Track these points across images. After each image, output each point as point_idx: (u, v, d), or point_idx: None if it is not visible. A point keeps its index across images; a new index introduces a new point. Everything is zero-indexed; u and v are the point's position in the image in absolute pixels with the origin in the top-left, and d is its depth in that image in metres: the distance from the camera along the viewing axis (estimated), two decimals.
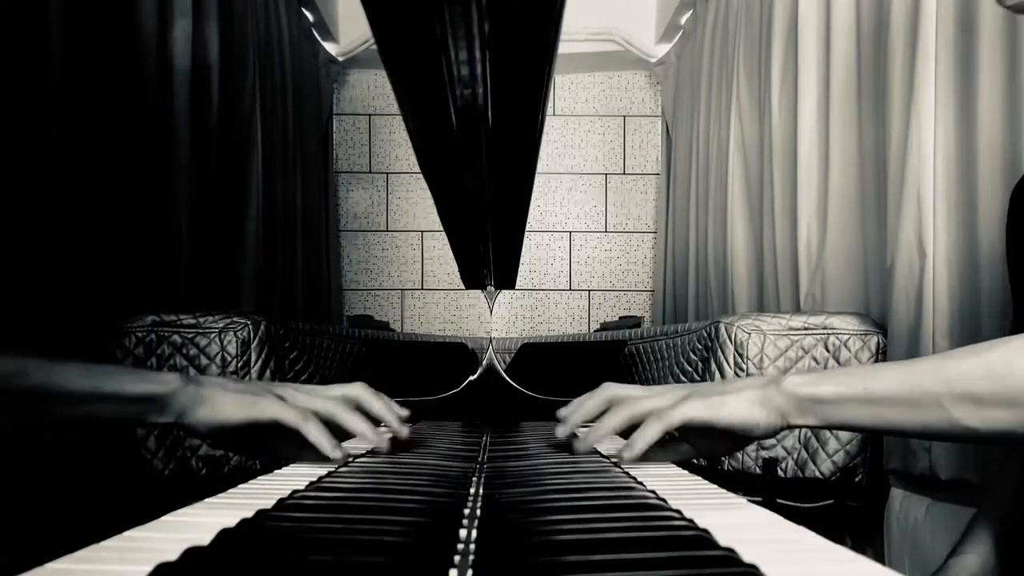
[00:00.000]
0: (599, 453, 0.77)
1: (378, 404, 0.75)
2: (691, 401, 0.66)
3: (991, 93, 1.18)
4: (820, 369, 1.38)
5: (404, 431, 0.75)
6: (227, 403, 0.67)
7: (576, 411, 0.75)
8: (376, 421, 0.74)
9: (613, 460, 0.71)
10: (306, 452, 0.68)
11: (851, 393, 0.62)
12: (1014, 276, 0.81)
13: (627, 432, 0.70)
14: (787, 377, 0.65)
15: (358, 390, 0.75)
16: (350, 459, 0.70)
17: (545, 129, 0.57)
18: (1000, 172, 1.17)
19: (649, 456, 0.68)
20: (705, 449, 0.72)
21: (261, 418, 0.67)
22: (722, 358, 1.40)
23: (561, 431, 0.75)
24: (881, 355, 1.37)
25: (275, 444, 0.70)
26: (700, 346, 1.51)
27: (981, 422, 0.55)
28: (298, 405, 0.69)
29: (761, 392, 0.66)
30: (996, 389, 0.54)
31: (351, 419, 0.71)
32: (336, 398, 0.72)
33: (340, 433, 0.70)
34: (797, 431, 1.36)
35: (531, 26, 0.42)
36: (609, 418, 0.70)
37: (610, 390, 0.74)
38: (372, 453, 0.77)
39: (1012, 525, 0.73)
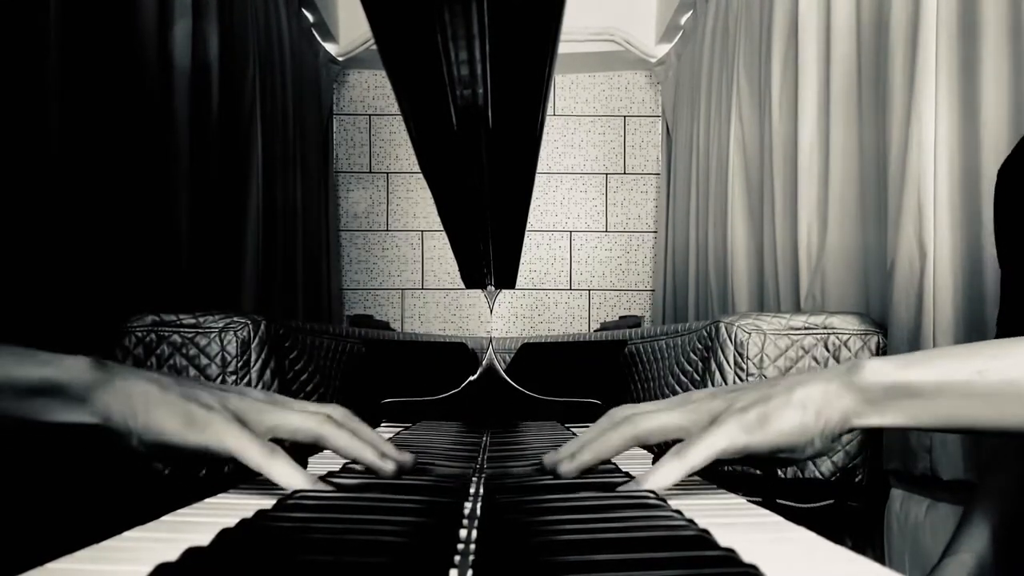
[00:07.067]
0: None
1: (367, 430, 0.59)
2: (726, 426, 0.49)
3: (995, 91, 1.17)
4: (820, 368, 1.38)
5: (388, 466, 0.57)
6: (168, 415, 0.50)
7: (589, 445, 0.55)
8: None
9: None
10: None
11: (959, 380, 0.45)
12: (1001, 255, 0.81)
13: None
14: (867, 363, 0.49)
15: (340, 411, 0.59)
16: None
17: (545, 129, 0.57)
18: None
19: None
20: (736, 463, 0.55)
21: (212, 448, 0.51)
22: (722, 358, 1.40)
23: (566, 469, 0.55)
24: (881, 355, 1.37)
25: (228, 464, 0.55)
26: (700, 346, 1.51)
27: None
28: (262, 427, 0.53)
29: (823, 389, 0.48)
30: None
31: (346, 441, 0.55)
32: (316, 414, 0.56)
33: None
34: None
35: (531, 26, 0.42)
36: (606, 437, 0.54)
37: (621, 411, 0.57)
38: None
39: (1014, 524, 0.72)
